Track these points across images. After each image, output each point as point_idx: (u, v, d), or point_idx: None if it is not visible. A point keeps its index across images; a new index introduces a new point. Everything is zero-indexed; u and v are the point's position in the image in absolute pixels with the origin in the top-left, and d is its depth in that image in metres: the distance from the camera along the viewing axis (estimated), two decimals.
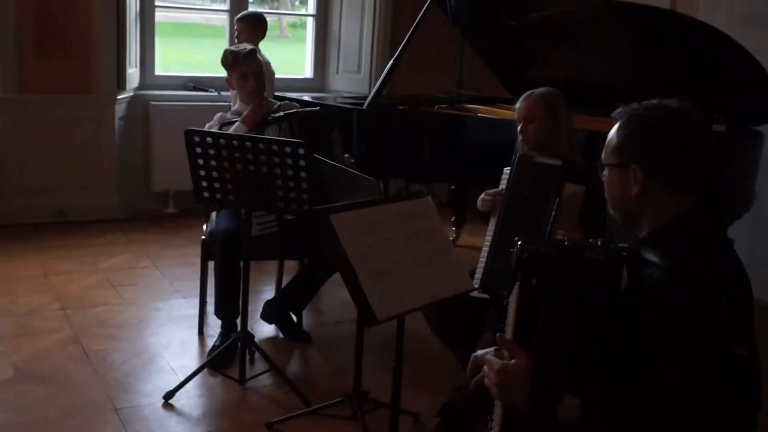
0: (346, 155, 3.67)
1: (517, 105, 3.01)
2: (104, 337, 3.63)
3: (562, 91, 3.04)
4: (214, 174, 3.07)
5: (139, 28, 5.54)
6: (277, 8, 13.36)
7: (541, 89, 2.98)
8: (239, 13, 5.31)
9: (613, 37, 4.02)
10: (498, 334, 1.60)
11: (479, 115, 4.64)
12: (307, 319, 3.95)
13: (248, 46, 3.64)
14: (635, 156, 1.67)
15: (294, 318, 3.81)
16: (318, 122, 3.65)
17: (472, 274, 2.80)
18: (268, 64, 4.96)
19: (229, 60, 3.60)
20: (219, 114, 3.70)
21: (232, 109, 3.86)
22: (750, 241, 4.39)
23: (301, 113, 3.61)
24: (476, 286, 2.70)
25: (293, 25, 14.99)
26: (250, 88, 3.57)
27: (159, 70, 5.90)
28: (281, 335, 3.78)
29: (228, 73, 3.64)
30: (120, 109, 5.42)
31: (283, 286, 3.96)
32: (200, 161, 3.06)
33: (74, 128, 5.25)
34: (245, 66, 3.56)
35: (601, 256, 1.51)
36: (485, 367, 1.61)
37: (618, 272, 1.53)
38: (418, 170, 4.44)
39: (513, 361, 1.56)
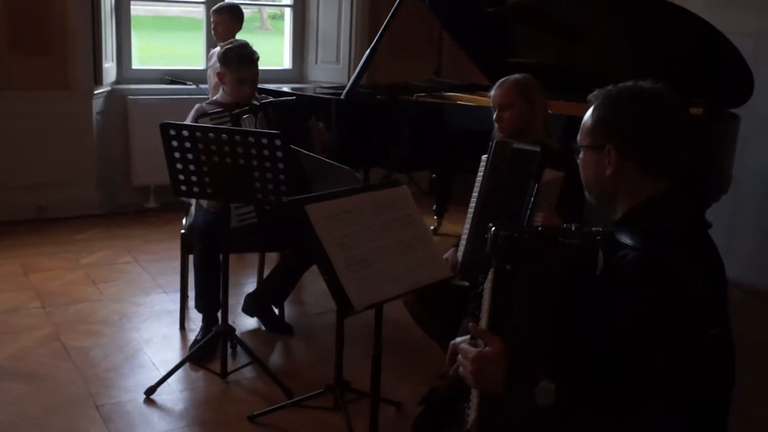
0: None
1: (492, 92, 2.99)
2: (85, 333, 3.60)
3: (540, 77, 3.02)
4: (191, 167, 3.04)
5: (114, 21, 5.48)
6: None
7: (515, 75, 2.97)
8: (218, 3, 5.25)
9: (589, 23, 4.01)
10: (470, 324, 1.59)
11: (458, 102, 4.62)
12: (289, 310, 3.93)
13: (254, 53, 3.55)
14: (609, 136, 1.67)
15: (275, 310, 3.79)
16: (294, 112, 3.62)
17: None
18: None
19: (230, 61, 3.50)
20: (197, 106, 3.65)
21: (212, 98, 3.82)
22: (728, 224, 4.41)
23: (276, 102, 3.57)
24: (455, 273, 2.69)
25: (274, 17, 14.91)
26: (244, 94, 3.51)
27: (137, 64, 5.85)
28: (263, 328, 3.76)
29: (222, 70, 3.56)
30: (98, 104, 5.36)
31: (264, 278, 3.93)
32: (177, 155, 3.02)
33: (52, 124, 5.18)
34: (246, 72, 3.50)
35: (574, 240, 1.50)
36: (459, 356, 1.60)
37: (592, 256, 1.51)
38: (398, 159, 4.41)
39: (487, 348, 1.55)
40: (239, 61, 3.49)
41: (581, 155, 1.75)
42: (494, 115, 2.97)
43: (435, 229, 5.34)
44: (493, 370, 1.53)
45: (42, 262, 4.49)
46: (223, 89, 3.63)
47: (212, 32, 5.05)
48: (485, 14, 4.37)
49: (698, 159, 3.48)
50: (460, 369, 1.61)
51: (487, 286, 1.56)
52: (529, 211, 2.61)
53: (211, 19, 5.08)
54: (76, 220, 5.25)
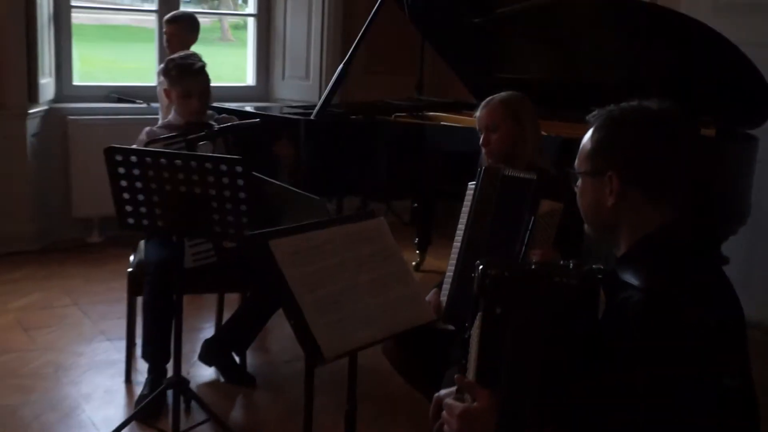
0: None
1: (477, 113, 3.02)
2: (13, 389, 3.54)
3: (532, 94, 3.05)
4: (140, 197, 3.02)
5: (53, 31, 5.47)
6: (217, 7, 13.35)
7: (503, 94, 2.99)
8: (169, 13, 5.27)
9: (589, 34, 4.07)
10: (456, 375, 1.58)
11: (442, 123, 4.65)
12: (252, 359, 3.90)
13: (198, 61, 3.60)
14: (611, 162, 1.68)
15: (237, 358, 3.76)
16: (258, 135, 3.62)
17: None
18: None
19: (172, 74, 3.56)
20: (147, 129, 3.65)
21: (162, 122, 3.82)
22: (746, 258, 4.43)
23: (237, 126, 3.58)
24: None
25: (236, 27, 14.95)
26: (192, 108, 3.55)
27: (78, 80, 5.84)
28: (221, 379, 3.73)
29: (167, 85, 3.61)
30: (33, 125, 5.33)
31: (223, 322, 3.90)
32: (124, 183, 3.00)
33: None
34: (191, 84, 3.53)
35: (572, 280, 1.50)
36: (444, 413, 1.59)
37: (593, 297, 1.52)
38: (375, 187, 4.42)
39: (475, 403, 1.54)
40: (181, 71, 3.54)
41: (579, 182, 1.76)
42: (481, 138, 2.99)
43: (417, 265, 5.34)
44: (482, 428, 1.52)
45: None
46: (174, 109, 3.64)
47: (165, 44, 5.06)
48: (472, 24, 4.42)
49: (711, 186, 3.52)
50: (445, 427, 1.60)
51: (475, 332, 1.56)
52: (524, 247, 2.62)
53: (164, 30, 5.09)
54: (7, 257, 5.18)
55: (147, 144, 3.47)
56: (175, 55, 3.68)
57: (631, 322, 1.49)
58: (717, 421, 1.47)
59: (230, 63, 9.89)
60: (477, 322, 1.56)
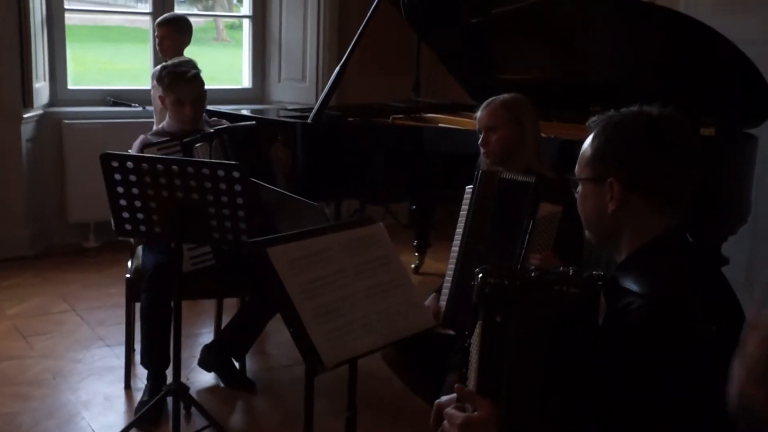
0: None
1: (478, 114, 3.03)
2: (12, 396, 3.54)
3: (532, 95, 3.06)
4: (137, 203, 3.02)
5: (46, 34, 5.47)
6: (211, 8, 13.32)
7: (504, 95, 3.01)
8: (163, 15, 5.27)
9: (587, 34, 4.07)
10: (456, 385, 1.59)
11: (440, 125, 4.66)
12: (252, 364, 3.91)
13: (192, 68, 3.60)
14: (611, 168, 1.68)
15: (236, 363, 3.77)
16: (254, 138, 3.64)
17: None
18: None
19: (164, 81, 3.56)
20: (141, 137, 3.65)
21: (155, 128, 3.83)
22: (748, 258, 4.44)
23: (233, 128, 3.59)
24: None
25: (231, 27, 14.92)
26: (185, 116, 3.55)
27: (72, 83, 5.84)
28: (221, 384, 3.74)
29: (162, 92, 3.61)
30: (27, 130, 5.33)
31: (222, 327, 3.91)
32: (120, 189, 3.01)
33: None
34: (184, 92, 3.53)
35: (572, 288, 1.51)
36: (445, 423, 1.60)
37: (593, 304, 1.53)
38: (373, 189, 4.43)
39: (476, 413, 1.55)
40: (173, 79, 3.54)
41: (579, 189, 1.77)
42: (480, 139, 3.00)
43: (416, 267, 5.34)
44: None
45: None
46: (168, 115, 3.66)
47: (157, 48, 5.06)
48: (468, 25, 4.42)
49: (712, 187, 3.53)
50: None
51: (475, 341, 1.56)
52: (523, 252, 2.62)
53: (155, 34, 5.10)
54: (2, 263, 5.18)
55: (143, 149, 3.48)
56: (169, 62, 3.68)
57: (632, 330, 1.50)
58: (722, 428, 1.48)
59: (226, 63, 9.87)
60: (477, 331, 1.56)
